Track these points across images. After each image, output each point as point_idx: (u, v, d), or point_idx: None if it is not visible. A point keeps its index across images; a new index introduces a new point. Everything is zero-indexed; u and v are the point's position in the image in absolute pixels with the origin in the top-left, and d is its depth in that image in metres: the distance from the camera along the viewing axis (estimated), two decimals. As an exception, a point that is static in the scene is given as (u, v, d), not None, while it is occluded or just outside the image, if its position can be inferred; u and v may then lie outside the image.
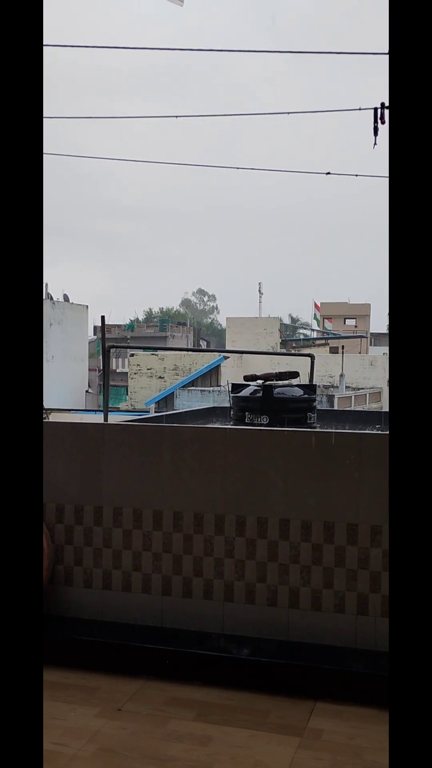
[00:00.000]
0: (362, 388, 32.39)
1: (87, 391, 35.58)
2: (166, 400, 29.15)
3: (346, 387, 31.23)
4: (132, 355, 33.36)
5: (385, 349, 38.79)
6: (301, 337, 55.33)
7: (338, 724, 3.05)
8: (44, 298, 34.46)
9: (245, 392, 8.20)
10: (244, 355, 32.29)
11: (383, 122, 12.19)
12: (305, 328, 61.62)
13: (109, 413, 9.50)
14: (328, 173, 16.90)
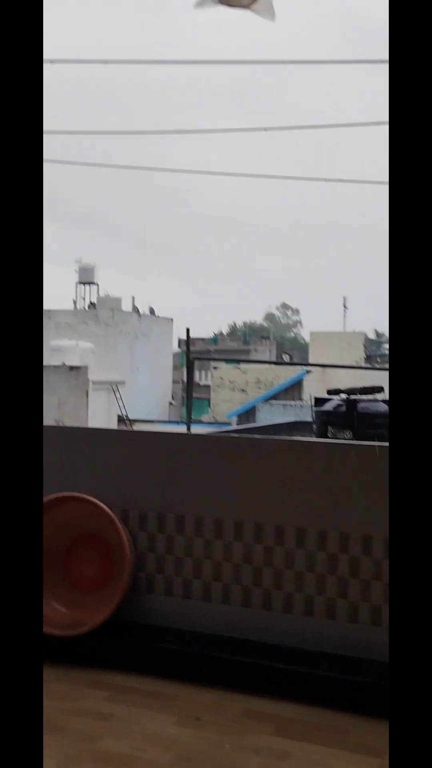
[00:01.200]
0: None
1: (170, 403, 36.02)
2: (248, 414, 29.16)
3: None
4: (215, 368, 33.57)
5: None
6: (386, 352, 54.37)
7: (421, 748, 2.95)
8: (131, 311, 35.19)
9: (328, 406, 8.13)
10: (327, 369, 32.00)
11: None
12: (391, 343, 60.43)
13: (191, 425, 9.58)
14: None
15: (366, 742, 3.01)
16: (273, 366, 33.88)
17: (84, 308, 34.58)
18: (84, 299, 35.98)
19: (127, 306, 35.59)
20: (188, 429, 8.55)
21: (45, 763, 2.79)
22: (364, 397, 8.32)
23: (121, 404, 28.91)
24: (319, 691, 3.36)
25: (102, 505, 3.86)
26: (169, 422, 29.10)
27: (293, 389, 31.73)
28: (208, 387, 35.31)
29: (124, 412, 28.55)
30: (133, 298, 36.37)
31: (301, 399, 29.74)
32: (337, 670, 3.43)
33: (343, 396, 8.15)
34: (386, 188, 1.53)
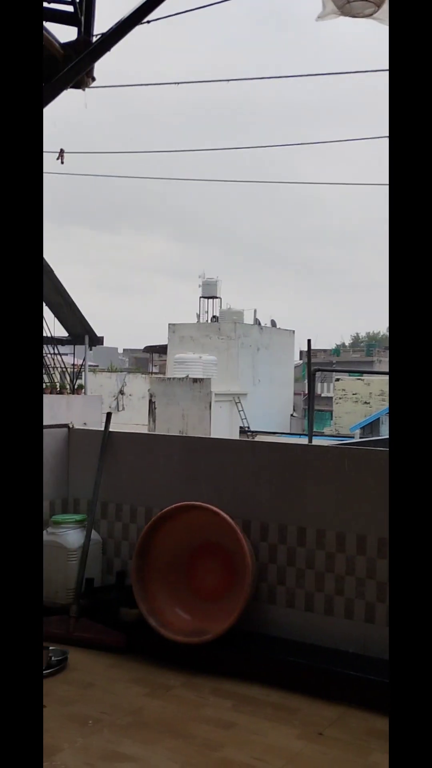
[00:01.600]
0: None
1: (292, 415, 35.89)
2: (372, 426, 28.54)
3: None
4: (337, 379, 33.13)
5: None
6: None
7: None
8: (252, 324, 35.43)
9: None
10: (455, 380, 30.73)
11: None
12: None
13: (313, 437, 9.51)
14: None
15: None
16: (398, 377, 32.93)
17: (207, 321, 35.18)
18: (207, 313, 36.61)
19: (248, 319, 35.86)
20: (310, 440, 8.48)
21: (169, 767, 2.85)
22: None
23: (242, 416, 29.10)
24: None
25: (224, 514, 3.91)
26: (291, 434, 28.99)
27: (419, 401, 30.73)
28: (330, 399, 34.90)
29: (246, 424, 28.71)
30: (255, 311, 36.55)
31: (427, 411, 28.74)
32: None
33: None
34: None
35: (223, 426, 27.04)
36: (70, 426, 4.80)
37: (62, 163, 7.09)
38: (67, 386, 17.98)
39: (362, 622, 3.71)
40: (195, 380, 25.05)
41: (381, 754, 2.98)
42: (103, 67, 4.26)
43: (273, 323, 37.06)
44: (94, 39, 4.05)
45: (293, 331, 37.38)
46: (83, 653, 3.90)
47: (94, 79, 4.02)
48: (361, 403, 31.50)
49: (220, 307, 36.42)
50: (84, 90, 4.01)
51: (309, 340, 9.90)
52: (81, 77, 3.92)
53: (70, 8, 4.11)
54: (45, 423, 3.39)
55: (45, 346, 16.99)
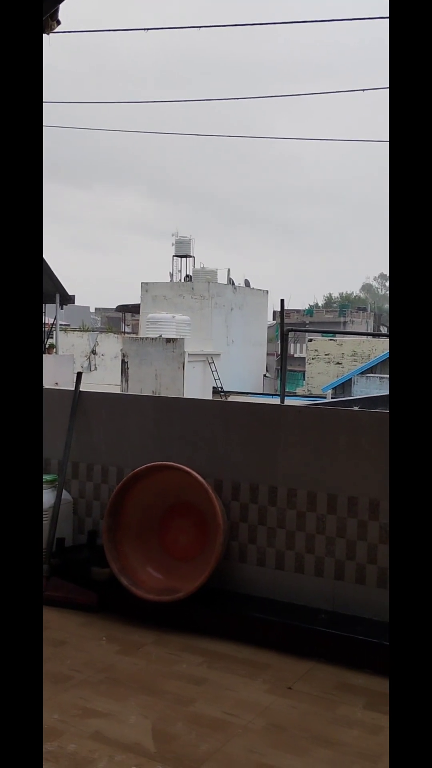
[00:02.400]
0: None
1: (265, 376, 36.01)
2: (344, 387, 28.77)
3: None
4: (310, 340, 33.23)
5: None
6: None
7: None
8: (226, 283, 35.24)
9: (427, 379, 7.88)
10: (426, 341, 30.92)
11: None
12: None
13: (285, 397, 9.54)
14: None
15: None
16: (370, 338, 33.21)
17: (180, 281, 34.91)
18: (180, 272, 36.30)
19: (222, 278, 35.66)
20: (282, 401, 8.51)
21: (141, 722, 2.89)
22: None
23: (216, 376, 29.11)
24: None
25: (196, 474, 3.91)
26: (264, 395, 29.11)
27: (391, 362, 30.99)
28: (303, 359, 35.04)
29: (219, 384, 28.74)
30: (229, 271, 36.32)
31: (398, 372, 29.01)
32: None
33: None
34: None
35: (196, 386, 27.03)
36: (41, 386, 4.74)
37: None
38: (39, 345, 17.79)
39: (332, 580, 3.76)
40: (168, 340, 24.94)
41: (348, 707, 3.05)
42: (71, 14, 4.09)
43: (247, 283, 36.90)
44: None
45: (267, 292, 37.27)
46: (55, 612, 3.92)
47: (58, 23, 3.82)
48: (334, 363, 31.67)
49: (194, 266, 36.12)
50: (48, 34, 3.81)
51: (282, 300, 9.85)
52: (45, 19, 3.73)
53: None
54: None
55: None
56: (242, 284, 36.37)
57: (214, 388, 28.55)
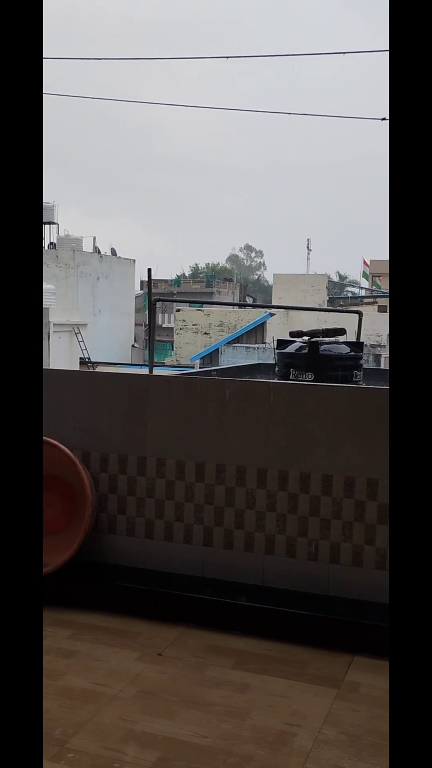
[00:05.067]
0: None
1: (133, 346, 35.83)
2: (211, 356, 29.17)
3: (394, 346, 30.56)
4: (178, 310, 33.35)
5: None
6: (349, 294, 54.50)
7: (376, 678, 3.06)
8: (92, 252, 34.54)
9: (291, 348, 8.12)
10: (290, 312, 32.02)
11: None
12: (353, 286, 60.56)
13: (154, 368, 9.54)
14: (384, 119, 15.67)
15: (324, 675, 3.10)
16: (236, 308, 33.78)
17: (44, 248, 33.85)
18: (43, 239, 35.19)
19: (88, 247, 34.92)
20: (151, 371, 8.50)
21: (8, 700, 2.83)
22: (326, 339, 8.33)
23: (83, 346, 28.63)
24: (279, 626, 3.44)
25: (62, 447, 3.84)
26: (132, 365, 28.99)
27: (256, 332, 31.76)
28: (171, 329, 35.13)
29: (86, 355, 28.31)
30: (94, 239, 35.64)
31: (264, 342, 29.81)
32: (296, 607, 3.51)
33: (306, 338, 8.14)
34: (358, 125, 1.50)
35: (62, 357, 26.47)
36: None
37: None
38: None
39: (200, 546, 3.83)
40: (32, 310, 24.20)
41: (217, 668, 3.13)
42: None
43: (113, 252, 36.38)
44: None
45: (134, 261, 36.96)
46: None
47: None
48: (201, 333, 31.99)
49: (58, 233, 35.10)
50: None
51: (149, 269, 9.78)
52: None
53: None
54: None
55: None
56: (108, 253, 35.81)
57: (81, 358, 28.10)
